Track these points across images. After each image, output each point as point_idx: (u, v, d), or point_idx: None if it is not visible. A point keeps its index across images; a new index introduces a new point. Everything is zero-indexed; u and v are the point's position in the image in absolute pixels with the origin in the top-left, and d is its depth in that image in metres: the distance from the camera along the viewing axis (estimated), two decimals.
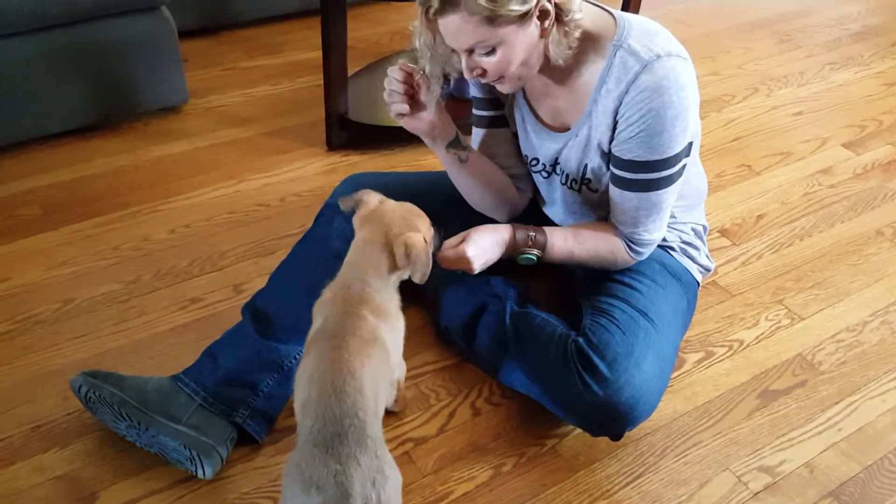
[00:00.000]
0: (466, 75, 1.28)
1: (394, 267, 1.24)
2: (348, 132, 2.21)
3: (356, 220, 1.28)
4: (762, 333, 1.72)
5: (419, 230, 1.24)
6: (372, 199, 1.28)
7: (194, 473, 1.35)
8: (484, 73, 1.27)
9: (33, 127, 2.13)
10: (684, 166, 1.34)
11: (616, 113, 1.30)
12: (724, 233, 2.00)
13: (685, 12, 3.14)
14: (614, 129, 1.32)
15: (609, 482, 1.41)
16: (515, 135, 1.51)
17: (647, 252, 1.44)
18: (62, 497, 1.34)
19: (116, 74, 2.16)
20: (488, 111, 1.50)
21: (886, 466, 1.46)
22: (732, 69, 2.75)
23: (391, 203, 1.28)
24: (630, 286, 1.45)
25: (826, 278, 1.88)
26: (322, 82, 2.13)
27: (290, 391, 1.48)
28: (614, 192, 1.37)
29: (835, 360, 1.67)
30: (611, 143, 1.34)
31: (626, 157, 1.31)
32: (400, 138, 2.24)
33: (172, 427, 1.34)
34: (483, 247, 1.36)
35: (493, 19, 1.17)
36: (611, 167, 1.36)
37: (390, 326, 1.26)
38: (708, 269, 1.61)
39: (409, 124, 1.38)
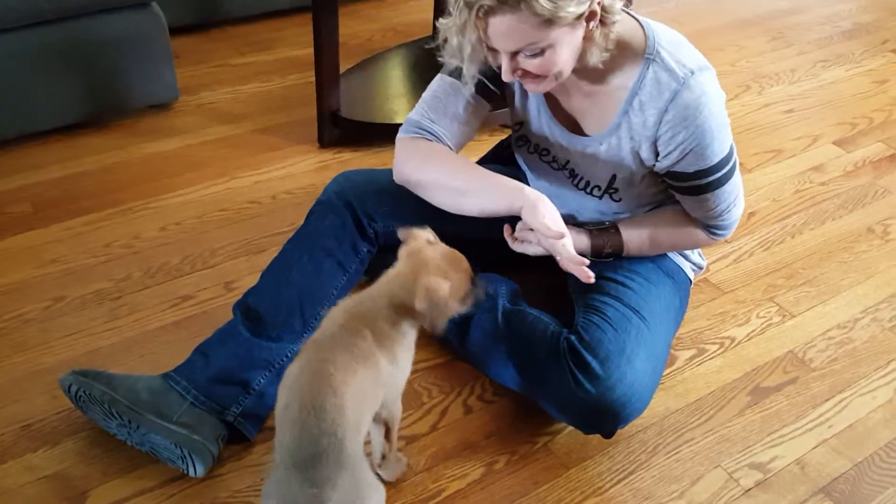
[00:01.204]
0: (507, 77, 1.24)
1: (411, 306, 1.19)
2: (340, 129, 2.20)
3: (401, 252, 1.25)
4: (753, 331, 1.73)
5: (450, 280, 1.21)
6: (421, 236, 1.26)
7: (185, 472, 1.35)
8: (525, 73, 1.25)
9: (23, 124, 2.11)
10: (734, 148, 1.39)
11: (657, 129, 1.31)
12: None
13: (678, 10, 3.14)
14: (655, 144, 1.34)
15: (601, 479, 1.41)
16: (515, 123, 1.50)
17: (732, 229, 1.49)
18: (52, 496, 1.34)
19: (107, 71, 2.15)
20: (494, 85, 1.42)
21: (877, 463, 1.46)
22: (725, 67, 2.75)
23: (440, 247, 1.26)
24: (622, 284, 1.45)
25: (817, 276, 1.88)
26: (314, 79, 2.12)
27: None
28: (689, 200, 1.41)
29: (826, 357, 1.67)
30: (655, 159, 1.36)
31: (691, 171, 1.34)
32: (392, 135, 2.23)
33: (163, 425, 1.33)
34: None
35: (551, 21, 1.15)
36: (673, 182, 1.38)
37: (391, 357, 1.21)
38: (700, 267, 1.62)
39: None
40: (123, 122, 2.27)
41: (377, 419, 1.29)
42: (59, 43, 2.06)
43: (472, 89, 1.39)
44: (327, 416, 1.08)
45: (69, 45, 2.07)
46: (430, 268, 1.21)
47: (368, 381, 1.17)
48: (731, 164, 1.37)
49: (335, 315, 1.22)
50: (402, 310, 1.21)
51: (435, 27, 1.28)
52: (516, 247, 1.38)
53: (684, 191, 1.39)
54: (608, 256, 1.48)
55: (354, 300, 1.24)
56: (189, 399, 1.37)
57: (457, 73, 1.40)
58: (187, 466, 1.34)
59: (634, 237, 1.46)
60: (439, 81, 1.44)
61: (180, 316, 1.68)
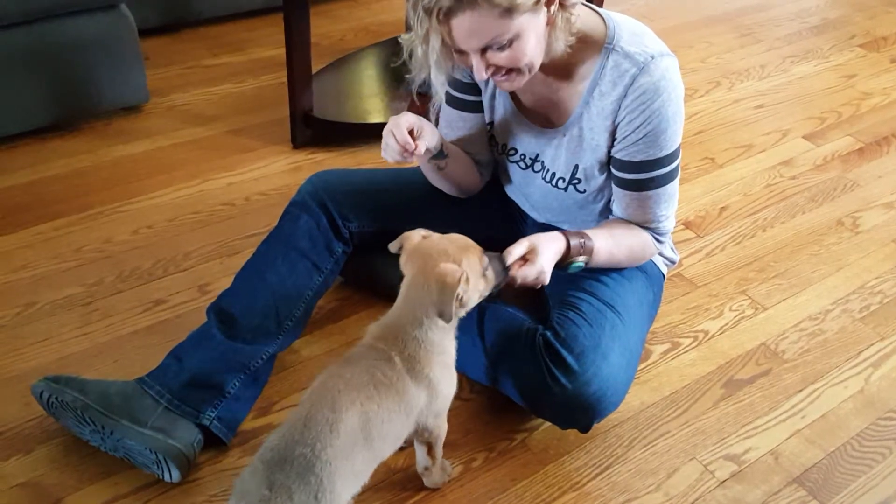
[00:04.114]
0: (480, 76, 1.24)
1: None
2: (313, 130, 2.19)
3: (402, 261, 1.22)
4: (726, 324, 1.74)
5: (458, 262, 1.17)
6: (414, 235, 1.22)
7: (161, 477, 1.34)
8: (497, 70, 1.25)
9: None
10: (680, 153, 1.38)
11: (615, 116, 1.32)
12: (688, 225, 2.02)
13: (648, 6, 3.16)
14: (613, 132, 1.34)
15: (578, 474, 1.42)
16: (486, 123, 1.51)
17: (668, 239, 1.48)
18: None
19: (75, 74, 2.12)
20: (467, 94, 1.47)
21: (849, 452, 1.49)
22: (695, 63, 2.77)
23: (436, 236, 1.22)
24: (597, 279, 1.46)
25: (788, 268, 1.91)
26: (286, 80, 2.11)
27: (257, 392, 1.47)
28: (629, 196, 1.39)
29: (798, 349, 1.69)
30: (611, 147, 1.36)
31: (637, 160, 1.34)
32: (366, 135, 2.23)
33: (137, 430, 1.32)
34: (551, 258, 1.32)
35: (511, 10, 1.16)
36: (618, 172, 1.38)
37: (426, 382, 1.17)
38: (673, 262, 1.63)
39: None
40: (93, 126, 2.25)
41: (419, 439, 1.27)
42: (26, 46, 2.03)
43: (451, 105, 1.43)
44: (314, 429, 1.06)
45: (36, 48, 2.04)
46: (434, 257, 1.17)
47: (388, 410, 1.13)
48: (675, 163, 1.37)
49: (370, 332, 1.20)
50: (431, 315, 1.16)
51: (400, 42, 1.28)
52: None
53: (628, 185, 1.38)
54: (580, 259, 1.41)
55: (384, 320, 1.20)
56: (163, 403, 1.36)
57: (449, 101, 1.46)
58: (163, 471, 1.33)
59: (600, 236, 1.41)
60: (444, 110, 1.50)
61: (153, 320, 1.66)
